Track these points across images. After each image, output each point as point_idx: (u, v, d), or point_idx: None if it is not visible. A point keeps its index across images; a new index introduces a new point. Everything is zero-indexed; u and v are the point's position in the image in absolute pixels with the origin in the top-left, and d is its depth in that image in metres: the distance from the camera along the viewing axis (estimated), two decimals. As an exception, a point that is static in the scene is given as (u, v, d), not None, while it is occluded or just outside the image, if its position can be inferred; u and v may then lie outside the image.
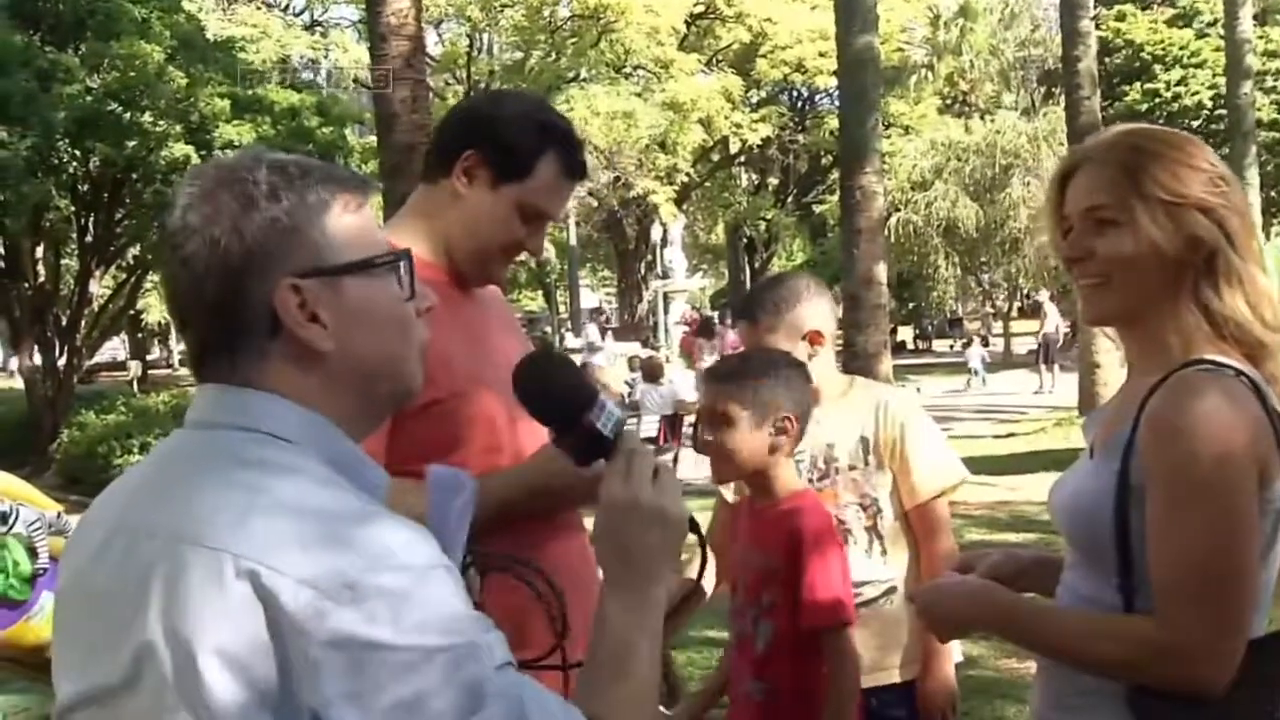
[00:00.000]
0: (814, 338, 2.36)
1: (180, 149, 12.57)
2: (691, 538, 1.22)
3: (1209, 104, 27.30)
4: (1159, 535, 1.36)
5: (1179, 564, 1.34)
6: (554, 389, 1.24)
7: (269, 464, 0.97)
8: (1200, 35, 28.57)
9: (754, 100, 32.57)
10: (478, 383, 1.74)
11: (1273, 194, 26.73)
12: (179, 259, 1.02)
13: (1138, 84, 28.57)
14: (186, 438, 1.05)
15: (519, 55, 31.04)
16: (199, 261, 1.01)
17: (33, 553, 4.20)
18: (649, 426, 11.96)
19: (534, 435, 1.80)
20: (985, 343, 23.10)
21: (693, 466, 11.76)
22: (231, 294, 1.01)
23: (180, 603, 0.91)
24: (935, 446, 2.40)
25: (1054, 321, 20.27)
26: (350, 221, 1.05)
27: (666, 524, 1.15)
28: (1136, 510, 1.39)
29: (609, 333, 25.36)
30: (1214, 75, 25.95)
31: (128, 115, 12.64)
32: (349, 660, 0.87)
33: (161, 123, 12.72)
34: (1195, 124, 26.71)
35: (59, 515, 4.51)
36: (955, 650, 2.50)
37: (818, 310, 2.39)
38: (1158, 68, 28.67)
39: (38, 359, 14.27)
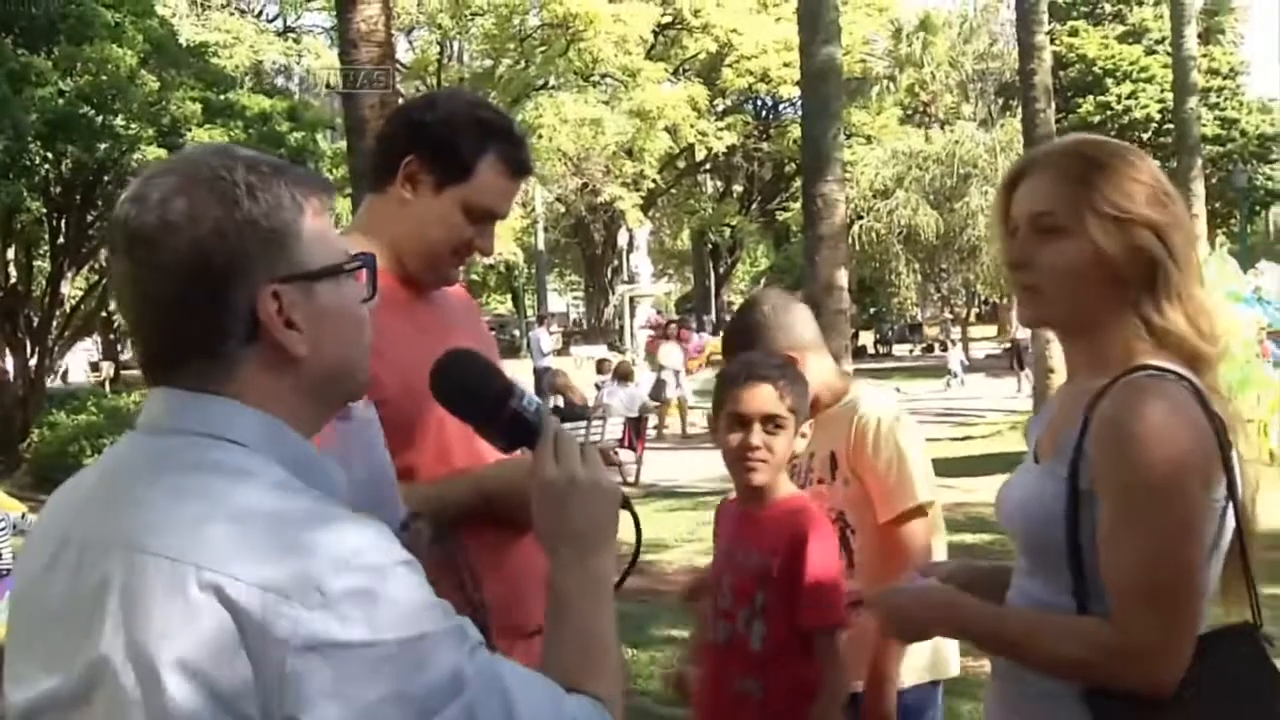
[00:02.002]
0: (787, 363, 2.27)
1: (152, 152, 12.60)
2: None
3: (1157, 117, 28.02)
4: (1112, 539, 1.37)
5: (1133, 567, 1.35)
6: (467, 382, 1.25)
7: (228, 470, 0.96)
8: (1149, 51, 29.32)
9: (719, 109, 33.00)
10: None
11: (1216, 206, 27.44)
12: (153, 259, 0.97)
13: (1090, 97, 29.28)
14: (140, 443, 1.02)
15: (489, 63, 31.24)
16: (178, 262, 0.97)
17: (-5, 554, 4.26)
18: (614, 428, 12.00)
19: None
20: (946, 347, 23.46)
21: (657, 469, 11.99)
22: (210, 298, 0.98)
23: (141, 615, 0.89)
24: (905, 463, 2.28)
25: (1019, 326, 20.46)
26: (320, 225, 1.04)
27: (604, 497, 1.17)
28: (1086, 514, 1.40)
29: (563, 336, 25.25)
30: (1162, 90, 26.62)
31: (100, 118, 12.62)
32: (326, 662, 0.87)
33: (133, 126, 12.72)
34: (1145, 136, 27.39)
35: (23, 516, 4.60)
36: (923, 663, 2.44)
37: (783, 335, 2.32)
38: (1109, 81, 29.41)
39: (9, 360, 14.27)
